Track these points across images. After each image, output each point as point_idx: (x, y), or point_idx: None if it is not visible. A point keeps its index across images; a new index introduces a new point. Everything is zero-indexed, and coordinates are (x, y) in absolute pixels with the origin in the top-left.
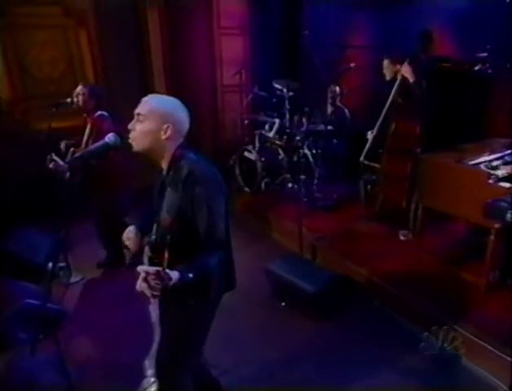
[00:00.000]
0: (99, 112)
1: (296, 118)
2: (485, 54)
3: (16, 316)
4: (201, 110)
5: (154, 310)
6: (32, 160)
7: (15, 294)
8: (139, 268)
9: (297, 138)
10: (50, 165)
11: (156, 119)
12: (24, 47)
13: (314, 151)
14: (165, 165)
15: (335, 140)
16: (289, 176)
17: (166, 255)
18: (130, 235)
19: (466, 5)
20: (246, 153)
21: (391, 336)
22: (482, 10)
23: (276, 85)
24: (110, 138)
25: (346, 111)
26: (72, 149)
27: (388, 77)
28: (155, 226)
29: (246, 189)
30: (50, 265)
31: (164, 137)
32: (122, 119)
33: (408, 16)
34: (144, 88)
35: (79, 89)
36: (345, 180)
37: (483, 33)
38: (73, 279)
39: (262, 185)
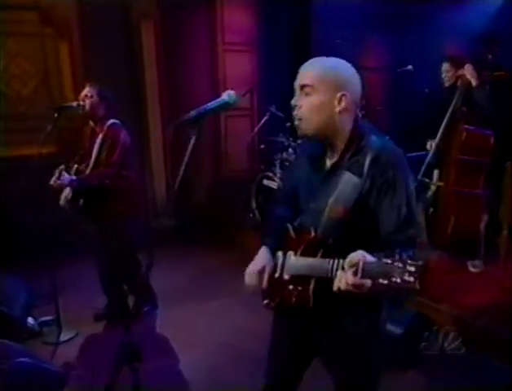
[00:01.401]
0: (112, 121)
1: None
2: None
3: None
4: (202, 137)
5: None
6: None
7: None
8: (352, 255)
9: None
10: (55, 181)
11: (328, 88)
12: None
13: None
14: (339, 146)
15: None
16: None
17: (320, 253)
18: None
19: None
20: (266, 181)
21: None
22: None
23: None
24: (230, 94)
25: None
26: (75, 166)
27: (447, 83)
28: (303, 220)
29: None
30: (31, 320)
31: (338, 109)
32: None
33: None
34: (135, 113)
35: (86, 90)
36: None
37: None
38: (64, 337)
39: None
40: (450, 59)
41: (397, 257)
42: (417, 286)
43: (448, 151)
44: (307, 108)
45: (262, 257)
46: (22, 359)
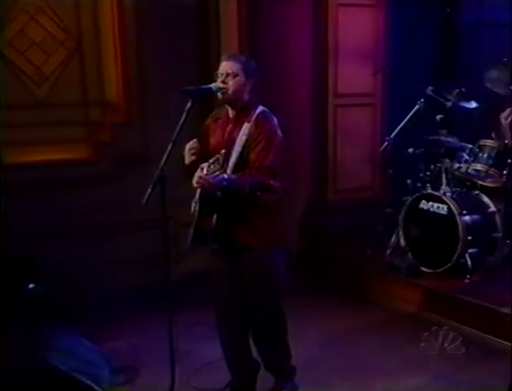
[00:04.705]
0: (262, 108)
1: None
2: None
3: None
4: (297, 135)
5: None
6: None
7: None
8: None
9: None
10: (203, 177)
11: None
12: None
13: None
14: None
15: None
16: None
17: None
18: None
19: None
20: (426, 204)
21: None
22: None
23: None
24: None
25: None
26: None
27: None
28: None
29: (425, 269)
30: None
31: None
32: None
33: None
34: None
35: (227, 66)
36: None
37: None
38: None
39: (468, 260)
40: None
41: None
42: None
43: None
44: None
45: None
46: None
